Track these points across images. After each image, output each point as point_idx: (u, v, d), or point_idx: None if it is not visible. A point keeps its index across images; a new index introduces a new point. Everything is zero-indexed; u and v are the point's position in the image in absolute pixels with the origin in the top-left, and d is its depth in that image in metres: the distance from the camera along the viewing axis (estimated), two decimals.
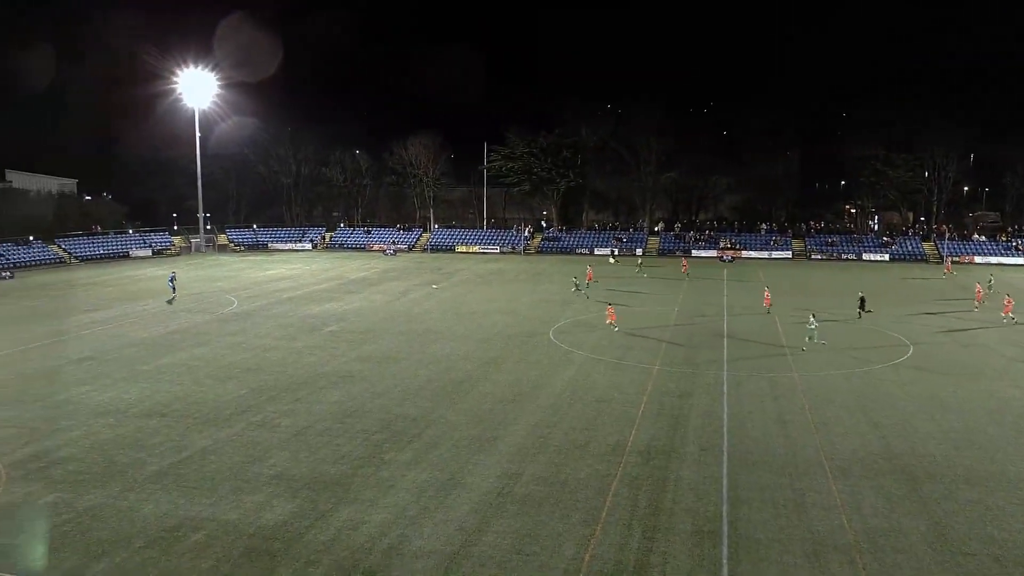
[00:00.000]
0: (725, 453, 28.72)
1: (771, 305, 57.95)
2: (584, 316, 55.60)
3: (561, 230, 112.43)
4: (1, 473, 27.33)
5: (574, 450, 29.02)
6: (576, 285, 68.10)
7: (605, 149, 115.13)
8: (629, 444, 29.60)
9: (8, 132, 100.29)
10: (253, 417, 33.39)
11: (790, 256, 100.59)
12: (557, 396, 36.03)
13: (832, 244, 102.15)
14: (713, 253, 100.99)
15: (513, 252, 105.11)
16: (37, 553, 21.83)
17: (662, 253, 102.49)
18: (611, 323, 50.26)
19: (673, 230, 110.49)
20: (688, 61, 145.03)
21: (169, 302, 63.22)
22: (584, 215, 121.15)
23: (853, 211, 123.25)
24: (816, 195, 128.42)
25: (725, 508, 24.20)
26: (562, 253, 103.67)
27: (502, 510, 24.12)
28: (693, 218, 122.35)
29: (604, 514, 23.80)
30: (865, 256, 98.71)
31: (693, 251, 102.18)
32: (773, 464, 27.70)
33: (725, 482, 26.12)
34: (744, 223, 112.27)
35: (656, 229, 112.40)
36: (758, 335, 49.01)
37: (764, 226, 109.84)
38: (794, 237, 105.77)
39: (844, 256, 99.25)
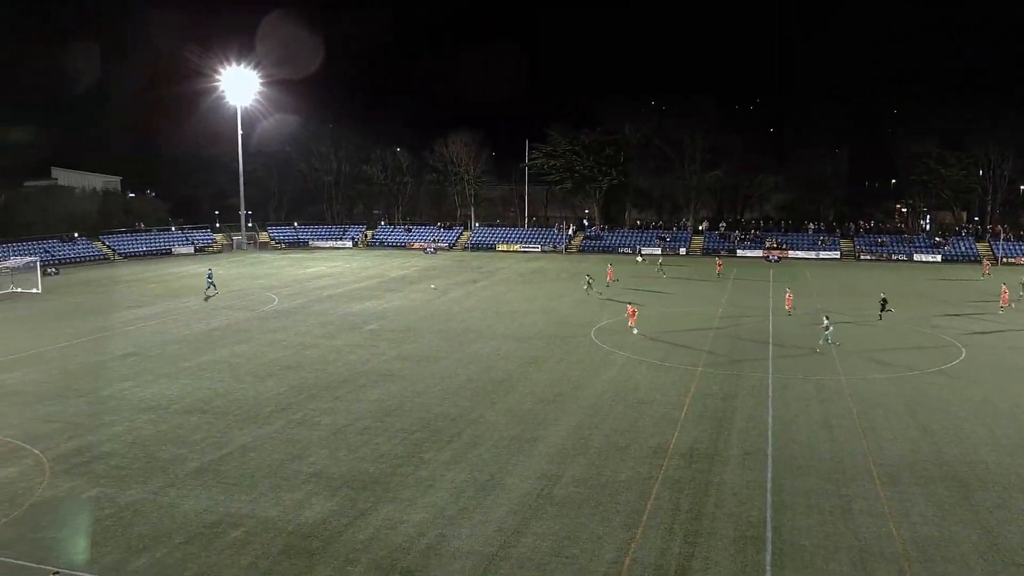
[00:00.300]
0: (769, 457, 28.43)
1: (793, 307, 57.08)
2: (626, 316, 55.30)
3: (603, 229, 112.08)
4: (45, 467, 27.93)
5: (615, 452, 28.92)
6: (589, 283, 67.58)
7: (649, 146, 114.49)
8: (671, 447, 29.42)
9: (54, 130, 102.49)
10: (293, 415, 33.75)
11: (838, 257, 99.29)
12: (598, 397, 35.93)
13: (882, 244, 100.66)
14: (758, 253, 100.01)
15: (554, 251, 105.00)
16: (80, 547, 22.28)
17: (706, 252, 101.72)
18: (632, 325, 49.41)
19: (718, 229, 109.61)
20: (734, 56, 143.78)
21: (206, 299, 64.12)
22: (627, 214, 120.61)
23: (904, 210, 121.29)
24: (866, 194, 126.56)
25: (769, 513, 23.96)
26: (604, 252, 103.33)
27: (541, 512, 24.11)
28: (738, 217, 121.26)
29: (645, 517, 23.69)
30: (916, 257, 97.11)
31: (738, 251, 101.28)
32: (819, 469, 27.36)
33: (769, 487, 25.86)
34: (791, 222, 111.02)
35: (700, 228, 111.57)
36: (804, 337, 48.44)
37: (811, 226, 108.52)
38: (842, 237, 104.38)
39: (894, 257, 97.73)
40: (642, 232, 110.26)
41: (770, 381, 38.58)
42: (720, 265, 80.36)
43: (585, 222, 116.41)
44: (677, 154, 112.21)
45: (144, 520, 23.76)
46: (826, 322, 45.92)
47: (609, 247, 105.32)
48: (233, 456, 28.89)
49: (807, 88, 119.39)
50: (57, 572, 18.65)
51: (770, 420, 32.60)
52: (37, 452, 29.44)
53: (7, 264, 76.10)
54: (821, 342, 45.22)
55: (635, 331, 49.04)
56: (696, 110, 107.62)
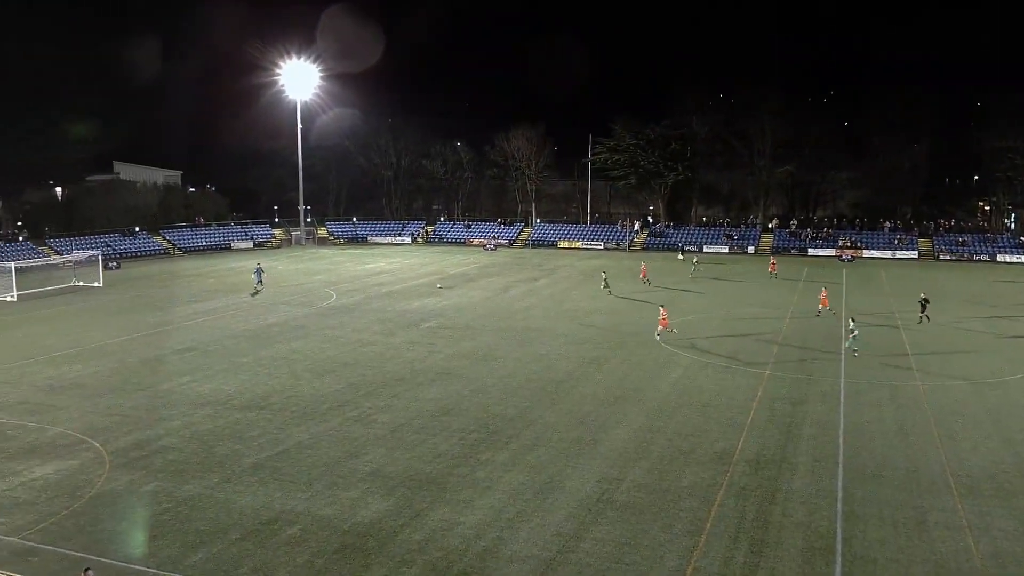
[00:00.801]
0: (840, 465, 27.94)
1: (828, 307, 55.88)
2: (691, 316, 54.89)
3: (668, 226, 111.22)
4: (105, 460, 28.73)
5: (678, 456, 28.71)
6: (606, 282, 66.83)
7: (716, 141, 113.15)
8: (737, 452, 29.10)
9: (116, 124, 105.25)
10: (350, 412, 34.16)
11: (916, 257, 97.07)
12: (661, 399, 35.70)
13: (963, 244, 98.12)
14: (831, 252, 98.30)
15: (617, 248, 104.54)
16: (137, 541, 22.86)
17: (776, 251, 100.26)
18: (662, 329, 47.51)
19: (788, 227, 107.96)
20: (807, 46, 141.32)
21: (254, 294, 65.22)
22: (693, 210, 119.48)
23: (987, 208, 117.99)
24: (946, 191, 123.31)
25: (839, 524, 23.55)
26: (669, 250, 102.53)
27: (601, 516, 24.04)
28: (810, 215, 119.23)
29: (709, 525, 23.47)
30: (1000, 257, 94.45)
31: (810, 250, 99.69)
32: (893, 479, 26.80)
33: (840, 496, 25.41)
34: (865, 220, 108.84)
35: (770, 226, 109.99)
36: (879, 341, 47.49)
37: (887, 224, 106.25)
38: (921, 236, 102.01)
39: (976, 257, 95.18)
40: (708, 229, 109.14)
41: (842, 386, 37.91)
42: (774, 265, 77.41)
43: (649, 219, 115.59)
44: (746, 149, 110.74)
45: (201, 515, 24.28)
46: (852, 324, 44.71)
47: (674, 244, 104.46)
48: (290, 453, 29.36)
49: (884, 79, 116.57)
50: (88, 569, 19.12)
51: (841, 426, 32.03)
52: (97, 445, 30.30)
53: (70, 258, 78.51)
54: (847, 345, 44.20)
55: (660, 336, 47.09)
56: (766, 103, 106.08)
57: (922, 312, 52.77)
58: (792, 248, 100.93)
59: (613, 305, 59.65)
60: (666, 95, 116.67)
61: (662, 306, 49.88)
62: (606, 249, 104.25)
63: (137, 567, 21.32)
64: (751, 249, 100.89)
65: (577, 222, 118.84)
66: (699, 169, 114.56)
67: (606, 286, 66.38)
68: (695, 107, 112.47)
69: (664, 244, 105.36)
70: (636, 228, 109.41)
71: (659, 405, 34.89)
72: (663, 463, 28.10)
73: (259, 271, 70.38)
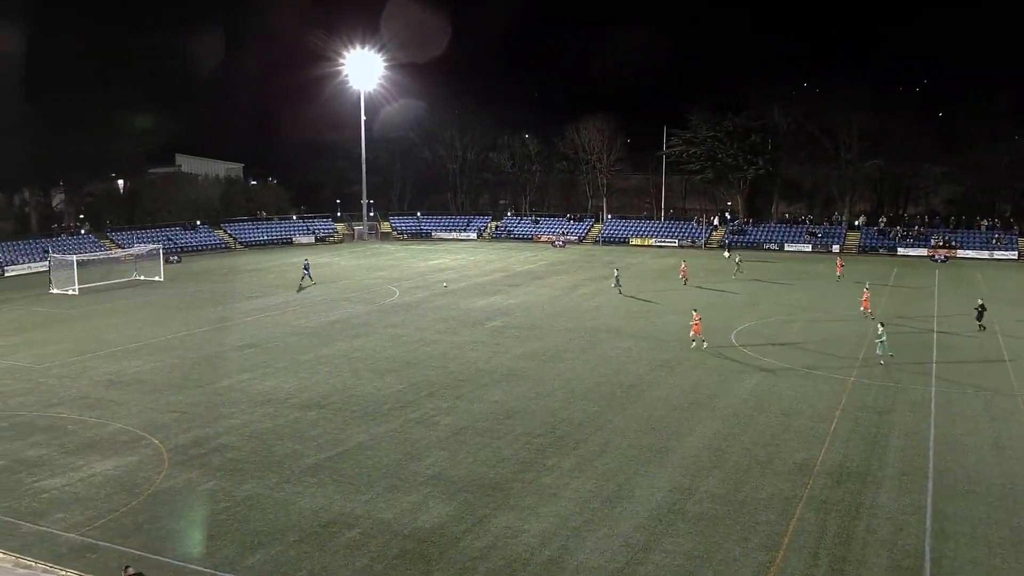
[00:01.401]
0: (930, 479, 27.29)
1: (870, 308, 54.66)
2: (772, 318, 54.14)
3: (747, 223, 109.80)
4: (164, 457, 29.46)
5: (755, 467, 28.35)
6: (617, 279, 65.76)
7: (800, 133, 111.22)
8: (818, 464, 28.62)
9: (178, 116, 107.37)
10: (412, 413, 34.47)
11: (1015, 257, 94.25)
12: (738, 406, 35.29)
13: None
14: (923, 252, 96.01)
15: (692, 246, 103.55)
16: (195, 540, 23.39)
17: (863, 250, 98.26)
18: (695, 335, 45.95)
19: (876, 225, 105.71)
20: (897, 32, 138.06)
21: (299, 290, 66.07)
22: (773, 206, 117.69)
23: None
24: None
25: (928, 542, 23.00)
26: (748, 248, 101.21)
27: (672, 527, 23.87)
28: (900, 212, 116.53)
29: (787, 540, 23.13)
30: None
31: (899, 249, 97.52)
32: (987, 495, 26.08)
33: (929, 512, 24.82)
34: (961, 218, 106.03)
35: (856, 223, 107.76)
36: (974, 348, 46.25)
37: (984, 222, 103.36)
38: (1021, 235, 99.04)
39: None
40: (790, 227, 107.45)
41: (932, 395, 37.01)
42: (841, 266, 74.20)
43: (727, 215, 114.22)
44: (831, 141, 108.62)
45: (259, 516, 24.73)
46: (880, 330, 43.47)
47: (754, 242, 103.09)
48: (350, 454, 29.74)
49: (981, 67, 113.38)
50: (128, 566, 19.60)
51: (932, 438, 31.28)
52: (156, 442, 31.08)
53: (131, 251, 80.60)
54: (878, 352, 43.01)
55: (694, 343, 45.60)
56: (854, 92, 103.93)
57: (979, 320, 51.06)
58: (880, 247, 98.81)
59: (688, 305, 59.03)
60: (746, 84, 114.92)
61: (695, 310, 47.63)
62: (680, 247, 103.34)
63: (194, 567, 21.82)
64: (835, 248, 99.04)
65: (650, 218, 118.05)
66: (780, 163, 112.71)
67: (617, 284, 65.41)
68: (776, 97, 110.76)
69: (743, 242, 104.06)
70: (715, 223, 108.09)
71: (735, 412, 34.50)
72: (739, 473, 27.77)
73: (307, 266, 71.57)
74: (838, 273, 72.54)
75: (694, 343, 45.77)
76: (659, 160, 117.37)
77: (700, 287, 67.59)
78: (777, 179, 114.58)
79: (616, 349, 45.60)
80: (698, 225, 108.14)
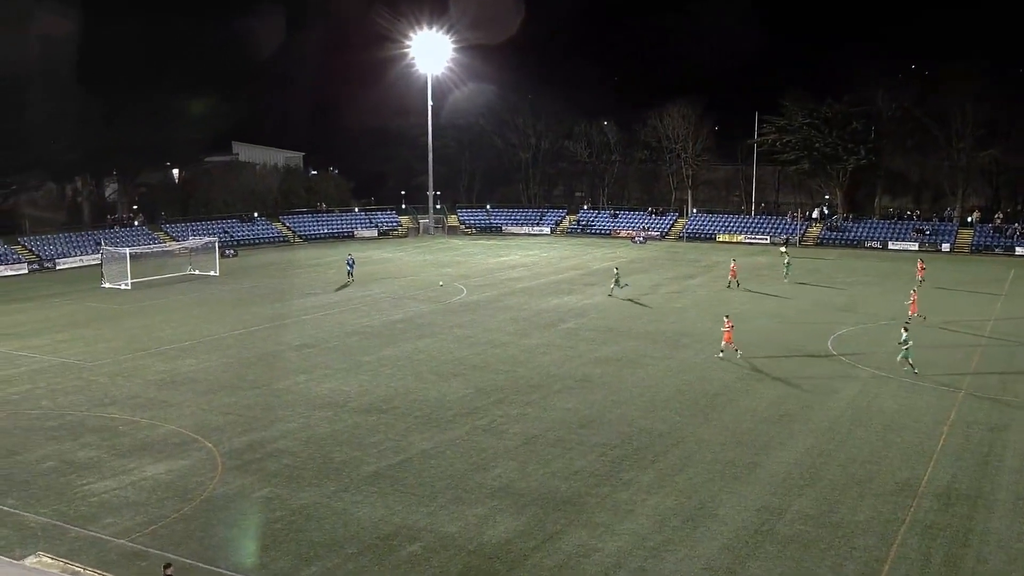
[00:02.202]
0: None
1: (918, 312, 53.53)
2: (873, 323, 53.17)
3: (846, 218, 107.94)
4: (217, 461, 30.09)
5: (852, 486, 27.90)
6: (616, 280, 64.29)
7: (907, 120, 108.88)
8: (923, 484, 28.05)
9: (235, 101, 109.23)
10: (479, 420, 34.65)
11: None
12: (834, 419, 34.76)
13: None
14: None
15: (786, 243, 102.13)
16: (249, 550, 23.84)
17: (975, 249, 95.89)
18: (726, 345, 44.70)
19: (991, 222, 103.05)
20: (1017, 10, 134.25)
21: (340, 288, 66.65)
22: (876, 201, 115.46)
23: None
24: None
25: None
26: (847, 246, 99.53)
27: (760, 550, 23.61)
28: (1018, 207, 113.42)
29: (887, 568, 22.72)
30: None
31: (1017, 248, 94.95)
32: None
33: None
34: None
35: (970, 220, 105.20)
36: None
37: None
38: None
39: None
40: (894, 223, 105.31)
41: None
42: (923, 268, 70.70)
43: (824, 210, 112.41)
44: (942, 130, 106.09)
45: (316, 526, 25.10)
46: (904, 336, 42.19)
47: (854, 240, 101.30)
48: (412, 462, 30.01)
49: None
50: (169, 565, 20.00)
51: None
52: (210, 445, 31.77)
53: (186, 244, 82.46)
54: (899, 358, 41.84)
55: (724, 353, 44.49)
56: (968, 76, 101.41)
57: None
58: (996, 246, 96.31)
59: (780, 308, 58.35)
60: (846, 67, 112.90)
61: (727, 316, 46.33)
62: (772, 244, 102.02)
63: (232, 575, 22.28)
64: (945, 247, 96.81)
65: (740, 212, 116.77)
66: (884, 153, 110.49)
67: (617, 284, 64.19)
68: (881, 80, 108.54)
69: (842, 239, 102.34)
70: (815, 216, 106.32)
71: (831, 425, 33.99)
72: (834, 492, 27.35)
73: (351, 262, 72.26)
74: (919, 277, 69.22)
75: (722, 353, 44.61)
76: (749, 149, 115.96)
77: (802, 284, 66.64)
78: (880, 171, 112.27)
79: (700, 355, 45.22)
80: (792, 221, 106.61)
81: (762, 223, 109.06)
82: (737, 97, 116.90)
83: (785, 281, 69.68)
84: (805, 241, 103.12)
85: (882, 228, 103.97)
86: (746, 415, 35.26)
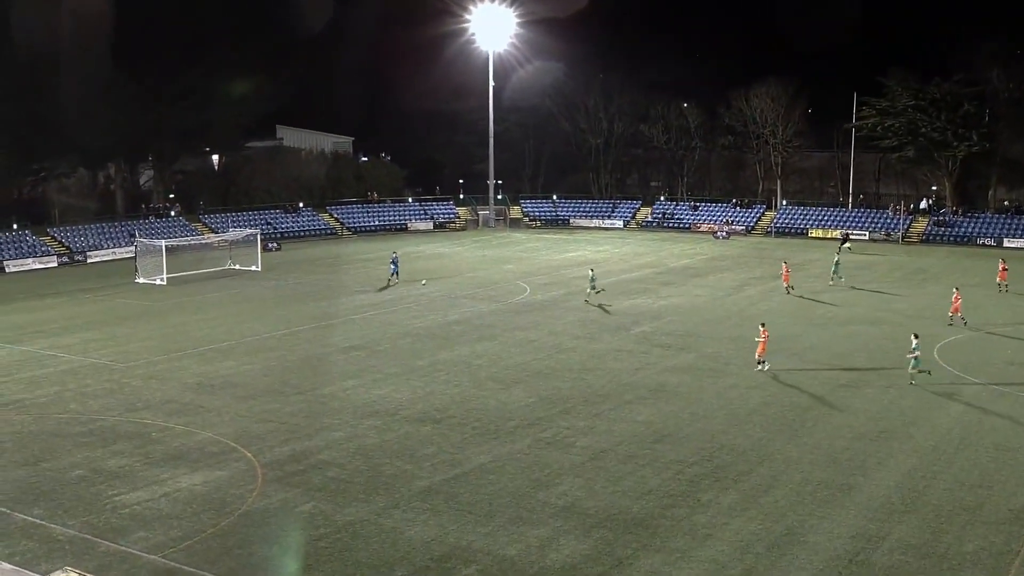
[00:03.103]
0: None
1: (959, 312, 52.96)
2: (985, 331, 52.16)
3: (956, 212, 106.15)
4: (257, 472, 30.47)
5: (960, 512, 27.42)
6: (592, 284, 62.50)
7: None
8: None
9: (280, 82, 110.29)
10: (542, 432, 34.66)
11: None
12: (940, 437, 34.20)
13: None
14: None
15: (887, 240, 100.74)
16: (290, 570, 24.12)
17: None
18: (761, 355, 43.56)
19: None
20: None
21: (382, 288, 66.75)
22: (990, 193, 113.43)
23: None
24: None
25: None
26: (957, 243, 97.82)
27: None
28: None
29: None
30: None
31: None
32: None
33: None
34: None
35: None
36: None
37: None
38: None
39: None
40: (1012, 218, 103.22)
41: None
42: (1005, 270, 66.63)
43: (930, 203, 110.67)
44: None
45: (364, 545, 25.30)
46: (914, 343, 41.38)
47: (965, 236, 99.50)
48: (469, 477, 30.11)
49: None
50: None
51: None
52: (249, 455, 32.18)
53: (225, 237, 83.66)
54: (911, 370, 41.27)
55: (762, 367, 43.42)
56: None
57: None
58: None
59: (879, 312, 57.56)
60: (956, 42, 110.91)
61: (762, 324, 44.77)
62: (872, 240, 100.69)
63: None
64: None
65: (835, 205, 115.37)
66: (1000, 139, 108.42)
67: (593, 289, 62.20)
68: (997, 57, 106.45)
69: (950, 236, 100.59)
70: (926, 206, 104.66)
71: (936, 444, 33.45)
72: (939, 520, 26.92)
73: (395, 260, 71.10)
74: (1000, 280, 65.44)
75: (760, 365, 43.54)
76: (847, 135, 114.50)
77: (904, 285, 65.65)
78: (996, 159, 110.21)
79: (790, 363, 44.77)
80: (894, 214, 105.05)
81: (860, 217, 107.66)
82: (833, 76, 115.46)
83: (831, 283, 67.91)
84: (909, 237, 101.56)
85: (997, 223, 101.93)
86: (840, 431, 34.82)
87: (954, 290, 55.49)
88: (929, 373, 41.60)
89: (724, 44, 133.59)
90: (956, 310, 53.75)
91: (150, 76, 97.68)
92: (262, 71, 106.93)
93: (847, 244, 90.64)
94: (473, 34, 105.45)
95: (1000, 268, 66.92)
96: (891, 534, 25.97)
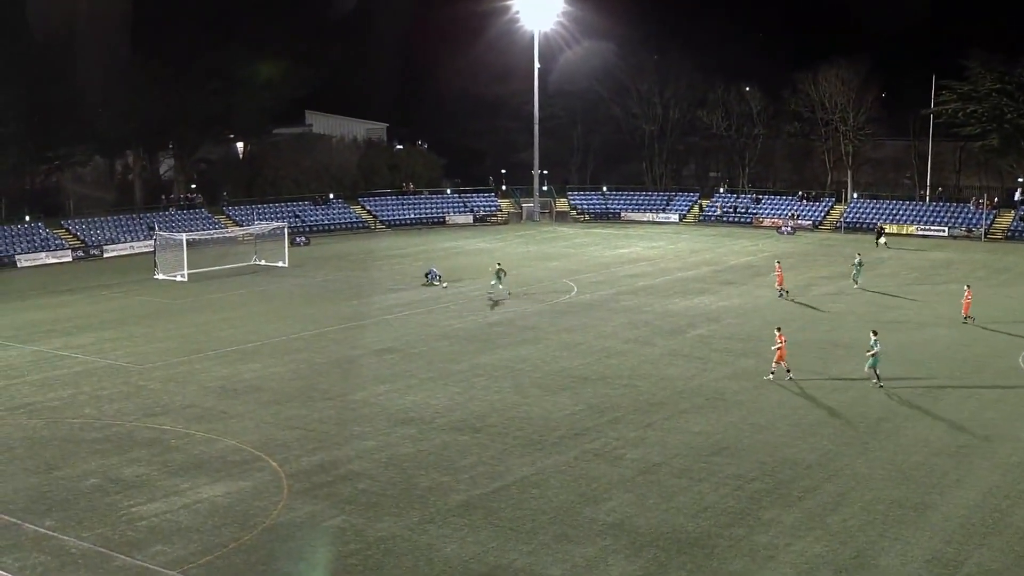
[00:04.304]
0: None
1: (970, 314, 53.89)
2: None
3: None
4: (283, 483, 30.66)
5: None
6: (499, 274, 63.09)
7: None
8: None
9: (309, 64, 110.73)
10: (589, 443, 34.63)
11: None
12: None
13: None
14: None
15: (968, 236, 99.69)
16: None
17: None
18: (777, 365, 43.23)
19: None
20: None
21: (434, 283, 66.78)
22: None
23: None
24: None
25: None
26: None
27: None
28: None
29: None
30: None
31: None
32: None
33: None
34: None
35: None
36: None
37: None
38: None
39: None
40: None
41: None
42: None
43: (1018, 195, 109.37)
44: None
45: (396, 562, 25.39)
46: (873, 339, 41.75)
47: None
48: (510, 491, 30.14)
49: None
50: None
51: None
52: (274, 464, 32.40)
53: (250, 230, 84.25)
54: (867, 368, 41.71)
55: (780, 372, 43.14)
56: None
57: None
58: None
59: (959, 315, 56.94)
60: None
61: (778, 329, 44.43)
62: (952, 237, 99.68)
63: None
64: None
65: (911, 198, 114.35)
66: None
67: (499, 279, 63.14)
68: None
69: None
70: (1017, 197, 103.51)
71: (1021, 460, 33.13)
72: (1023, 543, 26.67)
73: (432, 275, 69.26)
74: (963, 311, 57.46)
75: (772, 374, 43.22)
76: (924, 121, 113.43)
77: (987, 285, 64.99)
78: None
79: (859, 371, 44.39)
80: (976, 208, 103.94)
81: (938, 211, 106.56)
82: (909, 57, 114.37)
83: (855, 287, 66.27)
84: (992, 234, 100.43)
85: None
86: (915, 446, 34.52)
87: (966, 288, 56.35)
88: (872, 383, 41.76)
89: (789, 22, 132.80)
90: (967, 310, 54.70)
91: (171, 57, 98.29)
92: (290, 52, 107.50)
93: (883, 239, 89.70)
94: (517, 12, 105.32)
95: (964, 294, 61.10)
96: (970, 558, 25.72)
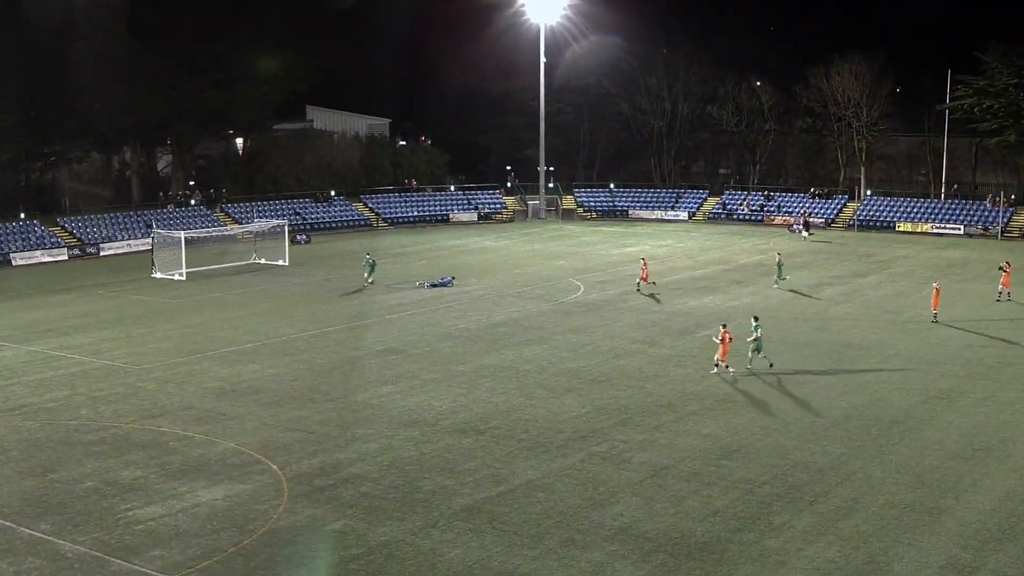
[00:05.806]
0: None
1: (937, 310, 54.98)
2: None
3: None
4: (283, 486, 30.69)
5: None
6: (370, 268, 65.65)
7: None
8: None
9: (311, 58, 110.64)
10: (596, 446, 34.63)
11: None
12: None
13: None
14: None
15: (984, 234, 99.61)
16: None
17: None
18: (719, 361, 43.62)
19: None
20: None
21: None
22: None
23: None
24: None
25: None
26: None
27: None
28: None
29: None
30: None
31: None
32: None
33: None
34: None
35: None
36: None
37: None
38: None
39: None
40: None
41: None
42: (1008, 274, 62.67)
43: None
44: None
45: (399, 567, 25.41)
46: (754, 324, 43.35)
47: None
48: (515, 495, 30.15)
49: None
50: None
51: None
52: (275, 467, 32.43)
53: (250, 228, 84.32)
54: (749, 353, 43.22)
55: (722, 369, 43.57)
56: None
57: None
58: None
59: (975, 314, 56.91)
60: None
61: (723, 326, 44.33)
62: (968, 236, 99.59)
63: None
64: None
65: (926, 195, 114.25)
66: None
67: (371, 271, 66.03)
68: None
69: None
70: None
71: None
72: None
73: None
74: (1002, 289, 61.81)
75: (716, 368, 43.73)
76: (939, 117, 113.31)
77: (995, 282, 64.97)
78: None
79: (874, 372, 44.43)
80: (993, 206, 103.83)
81: (954, 209, 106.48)
82: (924, 51, 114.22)
83: (775, 287, 66.21)
84: (1009, 232, 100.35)
85: None
86: (930, 449, 34.51)
87: (935, 284, 57.33)
88: (750, 366, 43.25)
89: (800, 15, 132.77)
90: (935, 305, 55.44)
91: (169, 50, 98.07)
92: (291, 46, 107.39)
93: (805, 233, 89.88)
94: (523, 5, 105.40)
95: (1004, 274, 63.43)
96: (986, 564, 25.70)
